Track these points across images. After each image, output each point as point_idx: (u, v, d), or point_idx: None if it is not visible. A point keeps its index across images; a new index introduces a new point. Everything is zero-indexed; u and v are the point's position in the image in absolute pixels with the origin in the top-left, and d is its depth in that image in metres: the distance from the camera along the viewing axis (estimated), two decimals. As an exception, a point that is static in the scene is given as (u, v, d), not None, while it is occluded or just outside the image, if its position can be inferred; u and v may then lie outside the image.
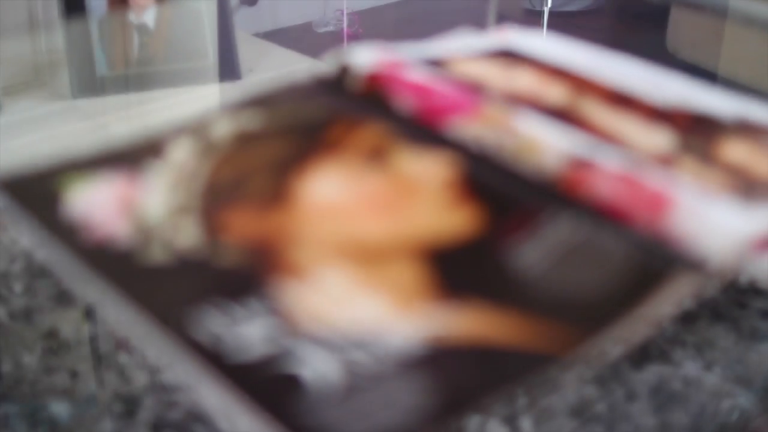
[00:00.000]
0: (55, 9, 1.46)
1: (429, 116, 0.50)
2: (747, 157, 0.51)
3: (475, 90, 0.53)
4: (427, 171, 0.45)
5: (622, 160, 0.45)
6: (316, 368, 0.32)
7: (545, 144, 0.46)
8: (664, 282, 0.37)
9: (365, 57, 0.57)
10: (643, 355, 0.46)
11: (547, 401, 0.43)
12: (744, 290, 0.52)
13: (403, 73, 0.54)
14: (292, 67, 1.33)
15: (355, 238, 0.41)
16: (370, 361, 0.33)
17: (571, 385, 0.42)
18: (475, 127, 0.48)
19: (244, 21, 1.39)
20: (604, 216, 0.41)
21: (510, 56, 0.63)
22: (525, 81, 0.59)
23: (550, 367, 0.33)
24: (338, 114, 0.50)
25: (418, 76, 0.54)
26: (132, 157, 0.50)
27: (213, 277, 0.38)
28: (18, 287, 0.53)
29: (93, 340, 0.48)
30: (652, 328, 0.37)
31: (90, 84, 1.10)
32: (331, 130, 0.49)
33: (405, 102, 0.51)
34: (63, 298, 0.53)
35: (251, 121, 0.51)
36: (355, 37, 1.28)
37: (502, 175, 0.45)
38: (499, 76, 0.59)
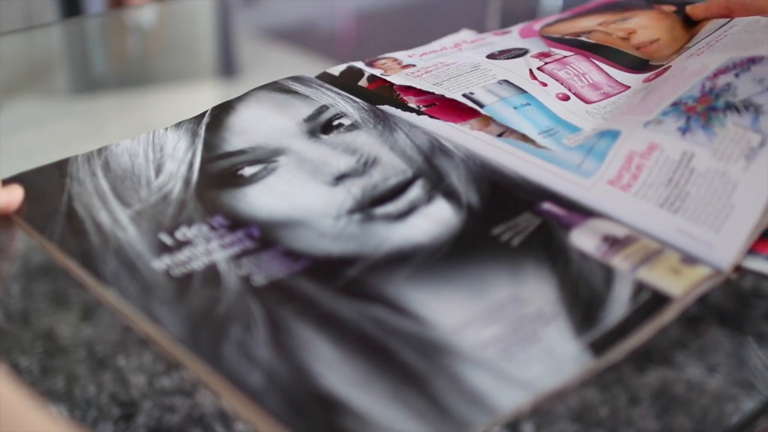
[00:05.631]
0: (52, 8, 1.46)
1: (440, 114, 0.50)
2: None
3: None
4: None
5: None
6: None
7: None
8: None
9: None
10: (645, 358, 0.45)
11: (549, 405, 0.42)
12: (747, 294, 0.52)
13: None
14: (291, 66, 1.33)
15: None
16: None
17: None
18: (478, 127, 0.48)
19: (243, 20, 1.39)
20: None
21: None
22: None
23: None
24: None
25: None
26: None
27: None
28: (15, 289, 0.53)
29: (91, 342, 0.48)
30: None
31: (88, 83, 1.09)
32: None
33: (414, 100, 0.51)
34: (60, 300, 0.52)
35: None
36: (355, 36, 1.28)
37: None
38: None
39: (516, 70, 0.53)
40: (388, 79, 0.53)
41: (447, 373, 0.33)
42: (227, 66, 1.24)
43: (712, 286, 0.38)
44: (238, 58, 1.26)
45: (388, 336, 0.34)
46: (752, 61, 0.45)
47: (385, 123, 0.49)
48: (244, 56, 1.26)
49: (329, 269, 0.38)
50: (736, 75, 0.44)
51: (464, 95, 0.50)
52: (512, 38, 0.59)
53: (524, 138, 0.47)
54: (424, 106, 0.51)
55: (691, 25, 0.58)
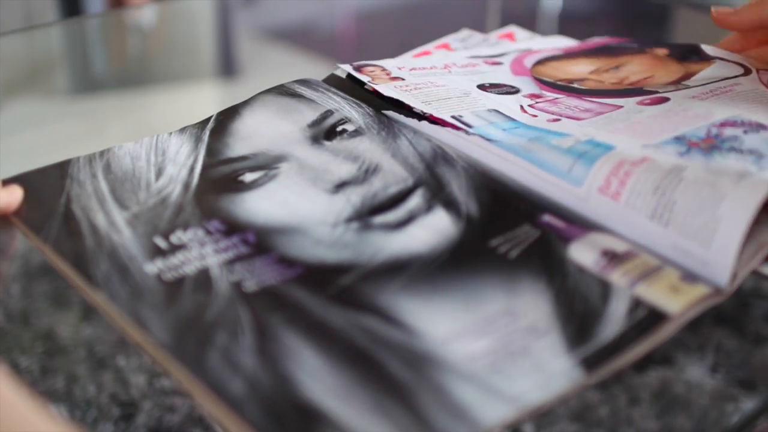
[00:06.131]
0: (52, 8, 1.46)
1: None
2: None
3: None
4: None
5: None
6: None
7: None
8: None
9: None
10: (645, 358, 0.45)
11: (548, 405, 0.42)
12: (747, 294, 0.52)
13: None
14: (291, 66, 1.33)
15: None
16: None
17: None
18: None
19: (243, 20, 1.39)
20: None
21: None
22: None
23: None
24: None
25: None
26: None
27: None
28: (15, 289, 0.53)
29: (91, 342, 0.48)
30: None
31: (88, 83, 1.09)
32: None
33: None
34: (61, 300, 0.52)
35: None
36: (355, 36, 1.28)
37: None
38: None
39: (507, 104, 0.53)
40: (376, 88, 0.53)
41: (432, 385, 0.32)
42: (227, 66, 1.24)
43: (713, 305, 0.37)
44: (238, 58, 1.26)
45: (376, 346, 0.34)
46: (762, 126, 0.45)
47: (389, 129, 0.49)
48: (244, 56, 1.26)
49: (322, 277, 0.38)
50: (745, 132, 0.44)
51: (453, 116, 0.50)
52: (504, 72, 0.59)
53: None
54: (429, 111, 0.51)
55: (683, 59, 0.58)
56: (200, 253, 0.39)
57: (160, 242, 0.39)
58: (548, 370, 0.33)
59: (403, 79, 0.55)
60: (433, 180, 0.45)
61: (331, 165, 0.46)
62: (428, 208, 0.42)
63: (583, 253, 0.39)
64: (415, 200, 0.43)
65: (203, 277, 0.37)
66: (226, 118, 0.50)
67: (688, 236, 0.39)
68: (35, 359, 0.47)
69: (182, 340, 0.34)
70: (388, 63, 0.57)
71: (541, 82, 0.57)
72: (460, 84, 0.55)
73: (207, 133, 0.48)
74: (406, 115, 0.50)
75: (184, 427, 0.42)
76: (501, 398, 0.32)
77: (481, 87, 0.55)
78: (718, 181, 0.39)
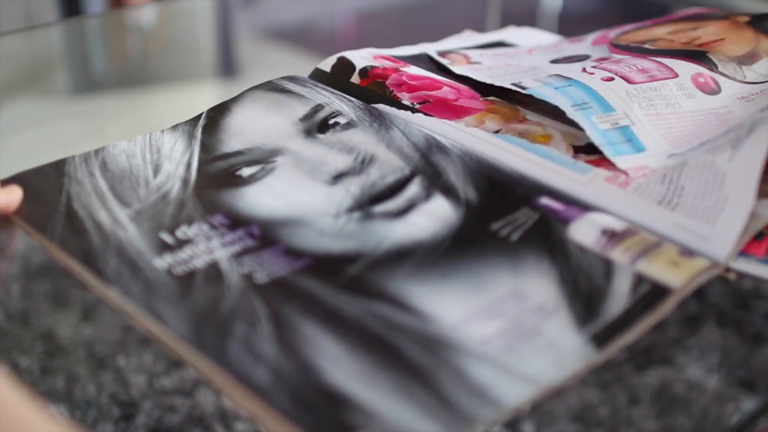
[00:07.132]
0: (52, 8, 1.46)
1: (435, 111, 0.50)
2: None
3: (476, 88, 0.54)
4: None
5: None
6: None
7: (553, 134, 0.47)
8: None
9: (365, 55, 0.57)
10: (645, 358, 0.45)
11: (548, 405, 0.42)
12: (747, 294, 0.52)
13: (405, 70, 0.54)
14: (291, 66, 1.33)
15: None
16: None
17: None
18: (481, 121, 0.48)
19: (243, 20, 1.39)
20: None
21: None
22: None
23: None
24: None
25: (420, 73, 0.54)
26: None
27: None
28: (15, 289, 0.53)
29: (91, 342, 0.48)
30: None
31: (88, 83, 1.09)
32: None
33: (408, 97, 0.51)
34: (60, 300, 0.52)
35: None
36: (354, 36, 1.28)
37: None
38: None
39: (571, 68, 0.53)
40: (451, 68, 0.54)
41: (451, 368, 0.33)
42: (227, 66, 1.24)
43: (711, 278, 0.38)
44: (238, 58, 1.26)
45: (392, 332, 0.34)
46: None
47: (381, 121, 0.49)
48: (244, 56, 1.26)
49: (330, 267, 0.38)
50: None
51: (512, 83, 0.51)
52: (583, 46, 0.60)
53: (521, 135, 0.47)
54: (418, 104, 0.51)
55: (761, 29, 0.58)
56: (207, 247, 0.39)
57: (167, 237, 0.40)
58: (561, 349, 0.34)
59: (480, 63, 0.56)
60: (429, 168, 0.45)
61: (327, 157, 0.46)
62: (427, 195, 0.43)
63: (583, 233, 0.40)
64: (414, 188, 0.43)
65: (214, 271, 0.38)
66: (217, 114, 0.50)
67: (695, 217, 0.40)
68: (35, 359, 0.47)
69: (201, 332, 0.34)
70: (472, 53, 0.59)
71: (614, 46, 0.58)
72: (534, 61, 0.56)
73: (199, 129, 0.49)
74: (398, 107, 0.51)
75: (184, 427, 0.42)
76: (519, 378, 0.32)
77: (554, 60, 0.57)
78: (716, 160, 0.40)
